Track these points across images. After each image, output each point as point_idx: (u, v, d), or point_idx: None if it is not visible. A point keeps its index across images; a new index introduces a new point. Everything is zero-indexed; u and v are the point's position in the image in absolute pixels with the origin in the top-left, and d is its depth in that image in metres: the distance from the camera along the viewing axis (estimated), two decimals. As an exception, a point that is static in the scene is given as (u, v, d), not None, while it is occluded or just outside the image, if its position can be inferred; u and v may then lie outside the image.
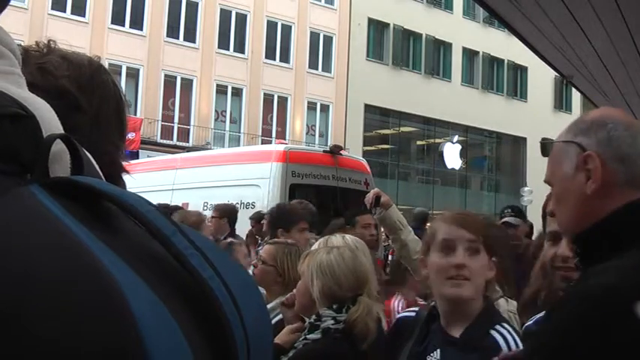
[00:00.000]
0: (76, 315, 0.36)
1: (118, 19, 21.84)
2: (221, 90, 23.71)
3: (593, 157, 1.18)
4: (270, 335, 0.57)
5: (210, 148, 18.14)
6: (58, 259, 0.38)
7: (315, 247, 2.60)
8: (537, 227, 3.82)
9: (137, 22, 22.25)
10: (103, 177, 0.57)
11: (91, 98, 1.11)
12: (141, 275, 0.41)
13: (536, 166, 30.50)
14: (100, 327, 0.37)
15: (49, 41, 1.15)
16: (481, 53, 30.18)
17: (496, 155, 32.14)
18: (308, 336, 2.24)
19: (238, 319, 0.45)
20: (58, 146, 0.48)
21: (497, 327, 1.82)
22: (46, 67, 1.10)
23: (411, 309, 2.13)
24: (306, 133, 25.36)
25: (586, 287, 1.05)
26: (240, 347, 0.45)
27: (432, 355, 1.83)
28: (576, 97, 27.81)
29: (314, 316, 2.26)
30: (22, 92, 0.51)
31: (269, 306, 2.87)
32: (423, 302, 2.72)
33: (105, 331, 0.37)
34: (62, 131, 0.52)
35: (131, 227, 0.45)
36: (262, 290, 3.10)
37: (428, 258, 1.90)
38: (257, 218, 6.47)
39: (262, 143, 20.92)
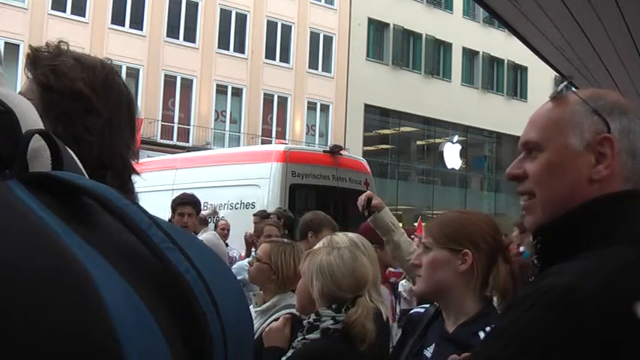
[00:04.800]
0: (46, 308, 0.35)
1: (118, 19, 21.83)
2: (221, 90, 23.71)
3: (611, 141, 1.08)
4: (250, 327, 0.57)
5: (210, 148, 18.14)
6: (30, 252, 0.37)
7: (318, 245, 2.61)
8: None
9: (137, 22, 22.25)
10: (85, 174, 0.57)
11: (105, 100, 1.12)
12: (117, 269, 0.41)
13: (536, 166, 30.40)
14: (71, 321, 0.36)
15: (59, 42, 1.14)
16: (481, 53, 30.18)
17: (496, 155, 32.12)
18: (307, 336, 2.24)
19: (214, 311, 0.45)
20: (38, 142, 0.48)
21: (487, 328, 1.80)
22: (60, 69, 1.10)
23: (423, 305, 2.15)
24: (306, 133, 25.35)
25: (540, 289, 0.97)
26: (217, 339, 0.45)
27: (427, 349, 1.86)
28: (576, 97, 27.70)
29: (313, 316, 2.26)
30: (2, 89, 0.52)
31: (265, 305, 2.88)
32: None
33: (76, 324, 0.36)
34: (42, 128, 0.52)
35: (109, 221, 0.45)
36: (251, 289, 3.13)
37: None
38: (262, 216, 6.43)
39: (262, 143, 20.93)
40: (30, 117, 0.52)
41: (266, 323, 2.73)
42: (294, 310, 2.63)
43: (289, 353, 2.29)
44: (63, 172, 0.47)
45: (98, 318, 0.37)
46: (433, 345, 1.85)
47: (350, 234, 2.74)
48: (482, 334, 1.78)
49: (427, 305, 2.10)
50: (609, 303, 0.90)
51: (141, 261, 0.45)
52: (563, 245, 1.06)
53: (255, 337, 2.56)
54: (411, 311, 2.18)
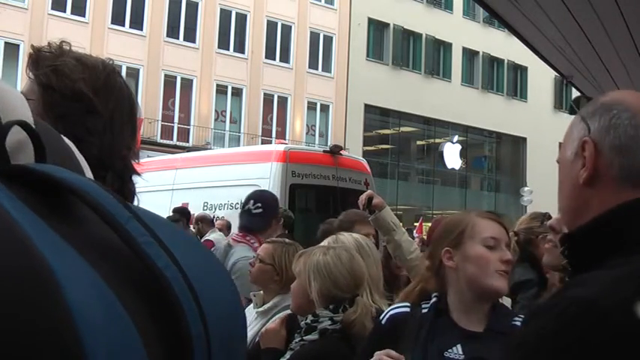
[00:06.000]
0: None
1: (118, 19, 21.84)
2: (221, 90, 23.71)
3: (589, 143, 1.08)
4: (241, 325, 0.53)
5: (210, 148, 18.14)
6: None
7: (324, 243, 2.61)
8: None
9: (137, 22, 22.25)
10: (84, 166, 0.55)
11: (105, 101, 1.12)
12: (92, 265, 0.40)
13: (536, 166, 30.50)
14: (26, 317, 0.34)
15: (61, 42, 1.14)
16: (481, 53, 30.18)
17: (496, 155, 32.14)
18: (305, 337, 2.23)
19: (196, 309, 0.43)
20: (23, 134, 0.47)
21: (516, 318, 1.89)
22: (62, 70, 1.10)
23: (402, 304, 2.04)
24: (306, 133, 25.36)
25: (563, 300, 0.97)
26: (197, 338, 0.43)
27: (450, 351, 1.81)
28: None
29: (311, 317, 2.25)
30: None
31: (266, 306, 2.87)
32: None
33: (30, 323, 0.34)
34: (30, 120, 0.50)
35: (89, 216, 0.44)
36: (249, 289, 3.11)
37: (458, 250, 1.90)
38: None
39: (262, 143, 20.92)
40: (15, 107, 0.51)
41: (268, 324, 2.73)
42: (294, 310, 2.63)
43: (287, 355, 2.28)
44: (42, 165, 0.46)
45: (58, 316, 0.35)
46: (459, 346, 1.80)
47: (355, 234, 2.74)
48: (518, 323, 1.83)
49: (407, 304, 2.00)
50: (632, 317, 0.89)
51: (118, 256, 0.43)
52: (587, 253, 1.07)
53: (257, 339, 2.56)
54: (393, 312, 2.00)
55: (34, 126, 0.49)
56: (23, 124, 0.47)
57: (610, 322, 0.89)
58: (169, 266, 0.43)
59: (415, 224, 15.50)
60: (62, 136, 0.59)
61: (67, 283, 0.36)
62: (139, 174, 1.17)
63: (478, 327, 1.85)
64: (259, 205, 3.95)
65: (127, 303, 0.40)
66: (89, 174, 0.61)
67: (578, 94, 8.41)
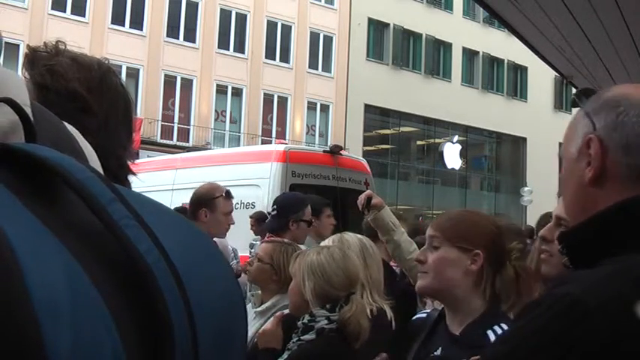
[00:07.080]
0: None
1: (118, 19, 21.84)
2: (221, 90, 23.71)
3: (594, 141, 1.05)
4: (239, 318, 0.50)
5: (210, 148, 18.13)
6: None
7: (327, 243, 2.63)
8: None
9: (137, 22, 22.26)
10: (88, 152, 0.54)
11: (100, 101, 1.12)
12: (70, 248, 0.38)
13: (536, 166, 30.51)
14: None
15: (57, 42, 1.15)
16: (481, 53, 30.18)
17: (496, 155, 32.14)
18: (302, 337, 2.24)
19: (179, 297, 0.41)
20: (16, 116, 0.46)
21: (495, 327, 1.81)
22: (56, 70, 1.10)
23: (425, 310, 2.14)
24: (306, 133, 25.36)
25: (550, 297, 0.98)
26: (179, 328, 0.40)
27: (435, 353, 1.84)
28: (576, 97, 27.74)
29: (307, 317, 2.26)
30: None
31: (264, 306, 2.88)
32: None
33: None
34: (25, 101, 0.49)
35: (75, 198, 0.42)
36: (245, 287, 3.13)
37: None
38: (258, 217, 6.47)
39: (262, 143, 20.92)
40: (8, 87, 0.51)
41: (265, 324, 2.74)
42: (292, 310, 2.64)
43: (285, 355, 2.28)
44: (26, 144, 0.44)
45: (12, 297, 0.33)
46: (440, 348, 1.83)
47: (359, 235, 2.77)
48: (491, 334, 1.77)
49: (429, 310, 2.09)
50: (617, 314, 0.89)
51: (99, 240, 0.41)
52: (583, 251, 1.06)
53: (255, 339, 2.57)
54: (414, 317, 2.12)
55: (28, 107, 0.48)
56: (9, 102, 0.45)
57: (593, 319, 0.89)
58: (151, 251, 0.41)
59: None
60: (65, 123, 0.58)
61: (29, 265, 0.35)
62: (134, 174, 1.17)
63: (458, 329, 1.85)
64: (275, 206, 4.11)
65: (103, 288, 0.38)
66: (95, 162, 0.60)
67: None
